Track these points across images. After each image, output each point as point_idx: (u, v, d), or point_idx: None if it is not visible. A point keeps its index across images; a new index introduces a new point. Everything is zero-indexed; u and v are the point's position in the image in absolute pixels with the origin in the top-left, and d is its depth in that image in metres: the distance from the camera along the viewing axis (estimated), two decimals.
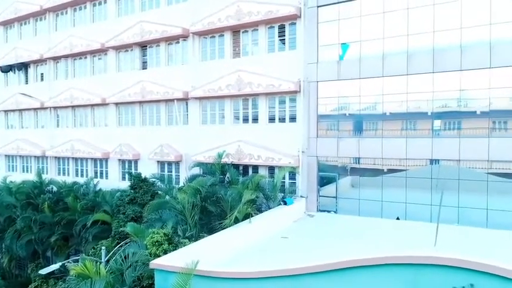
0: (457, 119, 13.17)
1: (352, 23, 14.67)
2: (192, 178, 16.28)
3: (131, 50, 21.80)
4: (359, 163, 14.95)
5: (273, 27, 17.08)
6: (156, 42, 20.63)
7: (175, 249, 10.66)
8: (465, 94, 13.01)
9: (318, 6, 15.32)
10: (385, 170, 14.39)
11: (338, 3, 14.86)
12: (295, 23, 16.43)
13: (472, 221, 12.71)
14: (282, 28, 16.91)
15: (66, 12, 25.05)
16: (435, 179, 13.36)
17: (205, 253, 9.64)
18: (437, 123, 13.48)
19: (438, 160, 13.45)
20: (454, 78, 13.01)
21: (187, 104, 19.75)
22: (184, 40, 19.79)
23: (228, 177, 16.64)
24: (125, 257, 11.21)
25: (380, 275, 7.98)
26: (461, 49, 12.85)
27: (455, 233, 11.92)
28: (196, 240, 11.83)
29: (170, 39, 20.18)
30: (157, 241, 10.94)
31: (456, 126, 13.22)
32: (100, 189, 21.10)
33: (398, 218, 13.97)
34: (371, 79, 14.38)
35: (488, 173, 12.67)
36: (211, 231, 12.98)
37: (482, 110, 12.77)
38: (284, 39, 16.91)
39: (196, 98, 19.08)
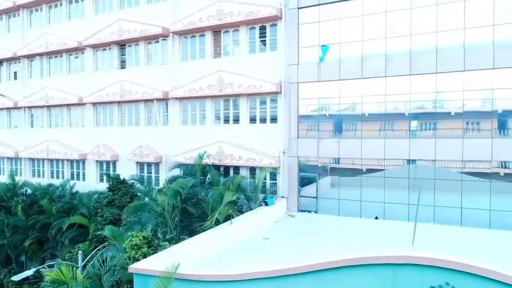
0: (433, 120, 13.54)
1: (332, 25, 14.86)
2: (172, 179, 16.08)
3: (110, 48, 21.35)
4: (338, 163, 15.15)
5: (254, 28, 17.08)
6: (135, 41, 20.28)
7: (155, 253, 10.50)
8: (440, 96, 13.40)
9: (298, 8, 15.44)
10: (364, 170, 14.64)
11: (319, 5, 15.01)
12: (276, 24, 16.48)
13: (448, 220, 13.11)
14: (263, 29, 16.93)
15: (41, 9, 24.29)
16: (412, 178, 13.69)
17: (186, 256, 9.54)
18: (414, 124, 13.83)
19: (415, 160, 13.79)
20: (430, 81, 13.38)
21: (167, 104, 19.50)
22: (164, 39, 19.53)
23: (208, 178, 16.51)
24: (103, 261, 10.97)
25: (360, 275, 8.10)
26: (437, 52, 13.22)
27: (431, 231, 12.24)
28: (176, 242, 11.68)
29: (150, 39, 19.88)
30: (136, 244, 10.74)
31: (432, 127, 13.59)
32: (77, 192, 20.58)
33: (376, 218, 14.23)
34: (351, 81, 14.61)
35: (462, 173, 13.08)
36: (192, 233, 12.85)
37: (457, 111, 13.17)
38: (265, 40, 16.93)
39: (176, 98, 18.86)
